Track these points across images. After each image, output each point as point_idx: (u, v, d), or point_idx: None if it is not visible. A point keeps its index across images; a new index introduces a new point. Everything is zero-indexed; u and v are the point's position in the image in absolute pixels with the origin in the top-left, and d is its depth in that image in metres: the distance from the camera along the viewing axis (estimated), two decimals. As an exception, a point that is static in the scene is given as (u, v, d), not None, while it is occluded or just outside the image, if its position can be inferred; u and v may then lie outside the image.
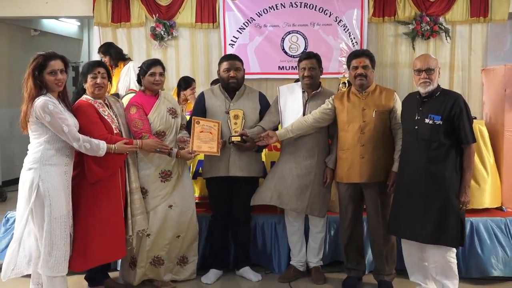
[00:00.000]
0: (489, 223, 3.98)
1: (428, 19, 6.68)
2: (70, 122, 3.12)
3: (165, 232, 3.69)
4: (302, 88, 3.90)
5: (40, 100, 3.03)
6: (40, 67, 3.06)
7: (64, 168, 3.13)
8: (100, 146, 3.20)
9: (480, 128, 4.22)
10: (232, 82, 3.87)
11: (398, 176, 3.40)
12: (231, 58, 3.98)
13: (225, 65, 3.89)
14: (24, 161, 3.12)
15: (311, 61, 3.84)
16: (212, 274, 3.94)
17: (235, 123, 3.80)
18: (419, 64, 3.27)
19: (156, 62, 3.74)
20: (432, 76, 3.23)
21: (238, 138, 3.74)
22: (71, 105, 3.37)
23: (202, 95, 4.01)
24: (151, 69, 3.68)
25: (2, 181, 7.55)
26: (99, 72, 3.42)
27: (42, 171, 3.04)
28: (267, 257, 4.15)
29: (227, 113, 3.82)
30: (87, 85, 3.43)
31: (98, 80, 3.40)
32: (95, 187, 3.30)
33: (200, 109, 3.91)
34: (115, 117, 3.52)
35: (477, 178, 4.14)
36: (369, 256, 3.92)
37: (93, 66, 3.46)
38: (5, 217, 4.32)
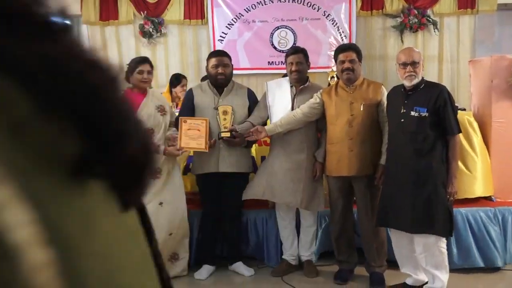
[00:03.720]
0: (478, 214, 4.02)
1: (416, 11, 6.71)
2: None
3: (157, 231, 3.64)
4: (290, 83, 3.92)
5: None
6: None
7: None
8: None
9: (468, 119, 4.25)
10: (220, 78, 3.88)
11: (386, 169, 3.43)
12: (219, 54, 3.99)
13: (213, 61, 3.90)
14: None
15: (298, 55, 3.85)
16: (205, 270, 3.96)
17: (224, 119, 3.81)
18: (403, 58, 3.30)
19: (144, 60, 3.74)
20: (417, 69, 3.25)
21: (228, 134, 3.75)
22: None
23: (190, 91, 4.01)
24: (139, 67, 3.68)
25: None
26: None
27: None
28: (259, 252, 4.18)
29: (216, 109, 3.83)
30: None
31: None
32: None
33: (189, 106, 3.92)
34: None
35: (468, 166, 4.18)
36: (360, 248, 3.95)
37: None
38: None
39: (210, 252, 4.04)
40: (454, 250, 3.92)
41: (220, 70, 3.86)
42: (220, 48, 6.70)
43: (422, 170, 3.20)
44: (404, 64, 3.28)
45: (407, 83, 3.29)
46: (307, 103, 3.75)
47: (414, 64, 3.25)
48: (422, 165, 3.19)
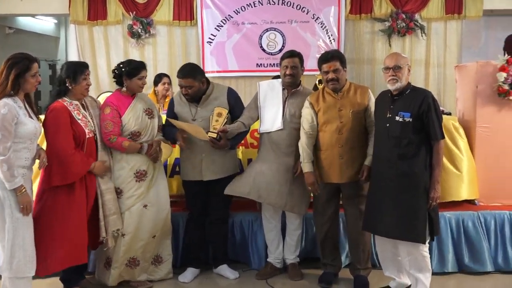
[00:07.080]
0: (461, 217, 4.06)
1: (404, 16, 6.75)
2: (26, 128, 3.02)
3: (141, 233, 3.68)
4: (283, 86, 3.91)
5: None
6: (26, 69, 3.01)
7: (21, 171, 3.04)
8: (13, 180, 2.96)
9: (453, 124, 4.29)
10: (187, 98, 3.85)
11: (371, 173, 3.45)
12: (182, 75, 3.80)
13: (178, 81, 3.83)
14: None
15: (293, 60, 3.83)
16: (189, 273, 3.95)
17: (216, 121, 3.74)
18: (387, 62, 3.33)
19: (144, 65, 3.73)
20: (400, 73, 3.27)
21: (214, 135, 3.72)
22: (49, 103, 3.37)
23: (172, 101, 3.99)
24: (141, 72, 3.66)
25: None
26: (88, 74, 3.44)
27: None
28: (244, 255, 4.18)
29: (194, 120, 3.81)
30: (79, 86, 3.40)
31: (89, 82, 3.42)
32: (58, 192, 3.27)
33: (171, 115, 3.90)
34: (91, 118, 3.50)
35: (456, 165, 4.21)
36: (345, 252, 3.97)
37: (86, 67, 3.47)
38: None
39: (195, 255, 4.03)
40: (438, 252, 3.97)
41: (183, 91, 3.81)
42: (210, 49, 6.77)
43: (405, 175, 3.21)
44: (387, 68, 3.31)
45: (390, 87, 3.32)
46: (303, 122, 3.69)
47: (396, 68, 3.26)
48: (405, 170, 3.21)
